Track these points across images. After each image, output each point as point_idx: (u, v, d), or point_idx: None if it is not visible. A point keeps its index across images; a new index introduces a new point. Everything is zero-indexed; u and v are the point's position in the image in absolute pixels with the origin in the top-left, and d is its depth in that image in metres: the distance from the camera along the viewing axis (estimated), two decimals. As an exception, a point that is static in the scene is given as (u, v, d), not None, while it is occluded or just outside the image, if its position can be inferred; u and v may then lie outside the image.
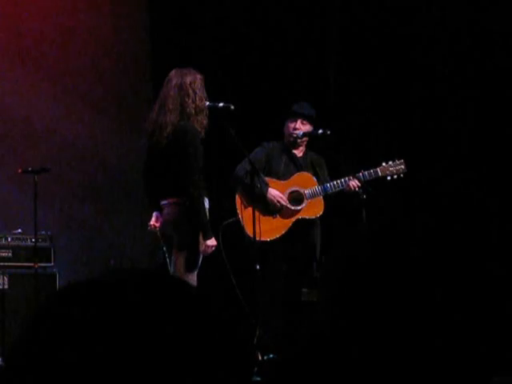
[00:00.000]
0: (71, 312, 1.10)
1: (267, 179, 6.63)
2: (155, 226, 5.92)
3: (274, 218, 6.65)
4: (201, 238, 5.72)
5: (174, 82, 5.82)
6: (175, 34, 8.65)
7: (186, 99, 5.75)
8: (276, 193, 6.65)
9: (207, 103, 5.87)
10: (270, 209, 6.65)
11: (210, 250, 5.73)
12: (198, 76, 5.86)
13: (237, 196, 6.65)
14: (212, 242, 5.71)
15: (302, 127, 6.79)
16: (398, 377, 1.47)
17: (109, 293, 1.11)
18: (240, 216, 6.57)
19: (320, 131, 6.68)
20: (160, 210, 5.90)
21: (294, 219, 6.68)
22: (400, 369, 1.46)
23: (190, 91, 5.77)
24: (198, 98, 5.78)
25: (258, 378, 5.78)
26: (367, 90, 8.20)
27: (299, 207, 6.69)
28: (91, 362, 1.06)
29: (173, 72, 5.91)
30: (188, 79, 5.80)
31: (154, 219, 5.93)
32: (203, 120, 5.79)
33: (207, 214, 5.73)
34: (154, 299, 1.11)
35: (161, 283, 1.15)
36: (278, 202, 6.63)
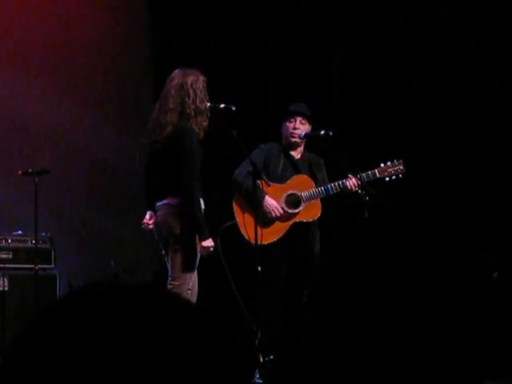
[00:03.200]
0: (70, 321, 1.09)
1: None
2: (148, 224, 5.90)
3: (271, 221, 6.62)
4: (197, 238, 5.68)
5: (175, 81, 5.80)
6: (176, 34, 8.65)
7: (187, 99, 5.72)
8: (272, 202, 6.59)
9: (208, 104, 5.85)
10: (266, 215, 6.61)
11: (207, 252, 5.69)
12: (201, 77, 5.83)
13: (234, 200, 6.61)
14: (208, 242, 5.66)
15: (301, 127, 6.73)
16: (387, 377, 1.46)
17: (107, 305, 1.10)
18: (238, 219, 6.53)
19: (322, 132, 6.63)
20: (155, 209, 5.87)
21: (291, 222, 6.63)
22: (388, 369, 1.46)
23: (191, 92, 5.74)
24: (198, 99, 5.75)
25: (260, 381, 5.77)
26: (369, 91, 8.20)
27: (296, 210, 6.64)
28: (88, 370, 1.05)
29: (176, 71, 5.89)
30: (189, 79, 5.78)
31: (147, 217, 5.91)
32: (203, 121, 5.76)
33: (203, 215, 5.70)
34: (152, 312, 1.10)
35: (157, 297, 1.14)
36: (273, 211, 6.57)
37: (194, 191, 5.64)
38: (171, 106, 5.73)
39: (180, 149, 5.67)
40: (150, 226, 5.89)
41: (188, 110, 5.71)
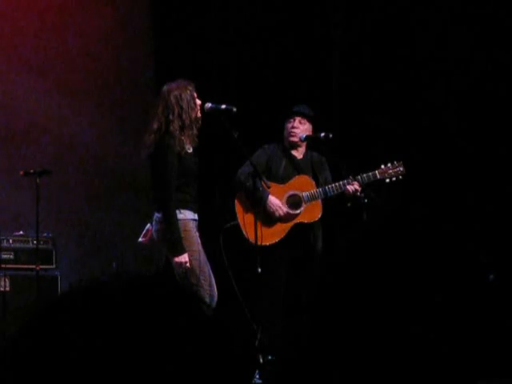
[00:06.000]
0: (72, 315, 1.10)
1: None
2: (141, 242, 5.94)
3: (272, 222, 6.63)
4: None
5: (160, 100, 5.78)
6: (177, 34, 8.66)
7: (171, 117, 5.71)
8: (276, 202, 6.61)
9: (209, 105, 5.84)
10: (269, 214, 6.62)
11: (180, 268, 5.60)
12: (189, 88, 5.76)
13: (236, 200, 6.63)
14: (182, 258, 5.60)
15: (300, 126, 6.76)
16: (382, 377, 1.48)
17: (110, 298, 1.11)
18: (239, 219, 6.54)
19: (322, 134, 6.65)
20: None
21: (292, 223, 6.65)
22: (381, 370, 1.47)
23: (176, 108, 5.71)
24: (184, 113, 5.71)
25: (260, 381, 5.78)
26: (369, 92, 8.20)
27: (297, 211, 6.65)
28: (89, 364, 1.06)
29: (163, 88, 5.84)
30: (172, 96, 5.72)
31: (142, 233, 5.95)
32: (193, 134, 5.73)
33: (179, 229, 5.61)
34: (154, 304, 1.11)
35: (161, 289, 1.15)
36: (277, 211, 6.59)
37: (168, 207, 5.62)
38: (155, 126, 5.75)
39: (154, 165, 5.71)
40: (143, 243, 5.93)
41: (172, 128, 5.70)
